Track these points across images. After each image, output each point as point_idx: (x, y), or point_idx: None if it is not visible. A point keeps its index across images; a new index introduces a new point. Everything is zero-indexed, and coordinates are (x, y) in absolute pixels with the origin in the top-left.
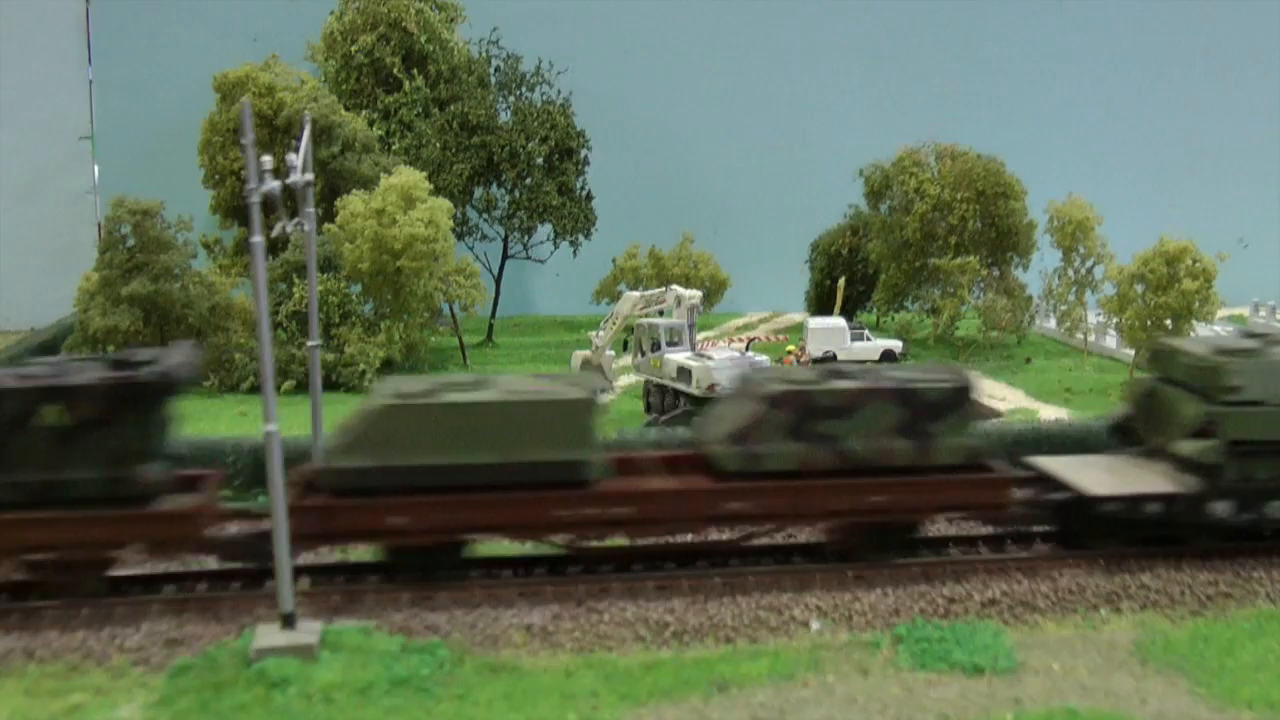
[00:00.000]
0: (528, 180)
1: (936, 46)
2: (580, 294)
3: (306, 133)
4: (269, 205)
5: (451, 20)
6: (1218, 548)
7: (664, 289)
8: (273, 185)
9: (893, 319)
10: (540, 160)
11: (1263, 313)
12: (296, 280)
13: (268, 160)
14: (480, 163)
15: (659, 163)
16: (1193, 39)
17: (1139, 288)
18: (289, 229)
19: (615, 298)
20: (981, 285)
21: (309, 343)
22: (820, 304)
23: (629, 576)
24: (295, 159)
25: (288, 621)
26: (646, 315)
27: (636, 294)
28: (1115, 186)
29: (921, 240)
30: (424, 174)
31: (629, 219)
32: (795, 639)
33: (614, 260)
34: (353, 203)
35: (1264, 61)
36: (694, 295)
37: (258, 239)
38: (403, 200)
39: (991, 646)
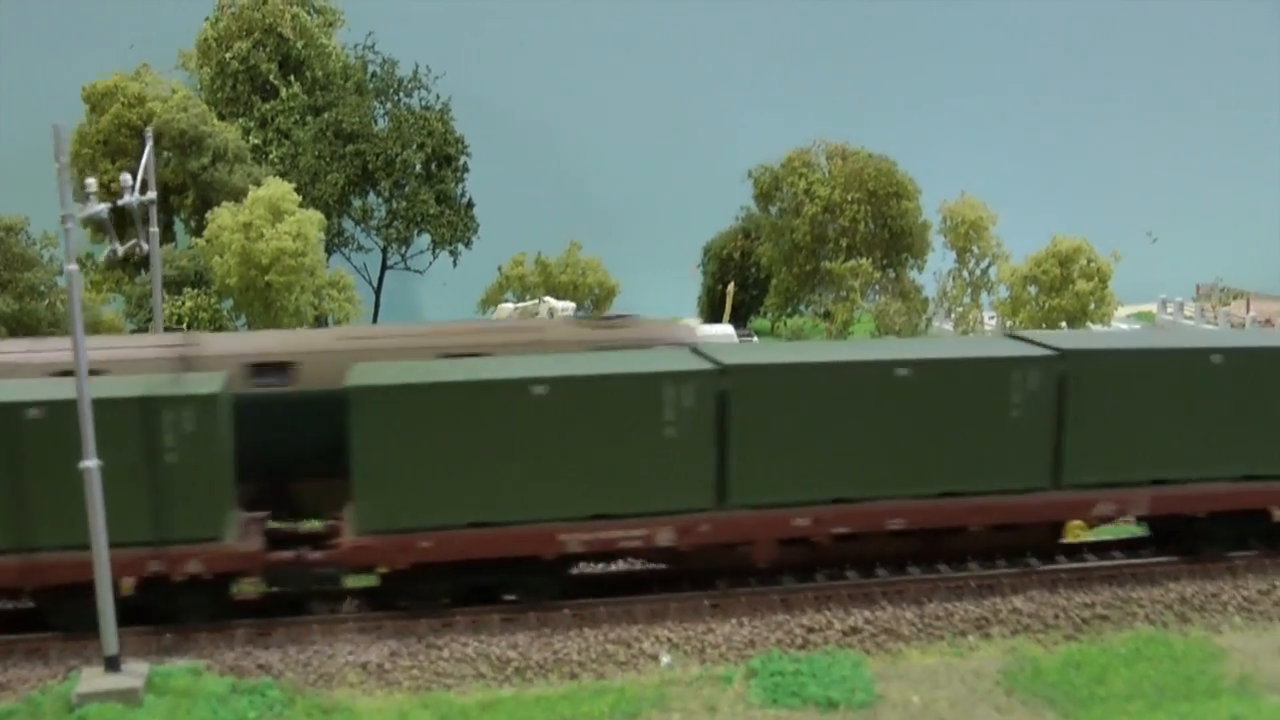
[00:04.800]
0: (405, 189)
1: (829, 44)
2: (469, 303)
3: (148, 150)
4: (125, 220)
5: (330, 25)
6: (1097, 567)
7: (537, 301)
8: (99, 208)
9: (785, 324)
10: (418, 168)
11: (1170, 309)
12: (167, 297)
13: (91, 183)
14: (355, 172)
15: (546, 167)
16: (1086, 33)
17: (1032, 289)
18: (119, 252)
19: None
20: (877, 288)
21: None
22: (713, 309)
23: (473, 610)
24: (128, 178)
25: (111, 664)
26: None
27: (510, 306)
28: (1015, 184)
29: (812, 243)
30: (293, 185)
31: (516, 225)
32: (644, 674)
33: (500, 268)
34: (222, 215)
35: (1160, 55)
36: (566, 306)
37: (73, 267)
38: (270, 213)
39: (850, 678)
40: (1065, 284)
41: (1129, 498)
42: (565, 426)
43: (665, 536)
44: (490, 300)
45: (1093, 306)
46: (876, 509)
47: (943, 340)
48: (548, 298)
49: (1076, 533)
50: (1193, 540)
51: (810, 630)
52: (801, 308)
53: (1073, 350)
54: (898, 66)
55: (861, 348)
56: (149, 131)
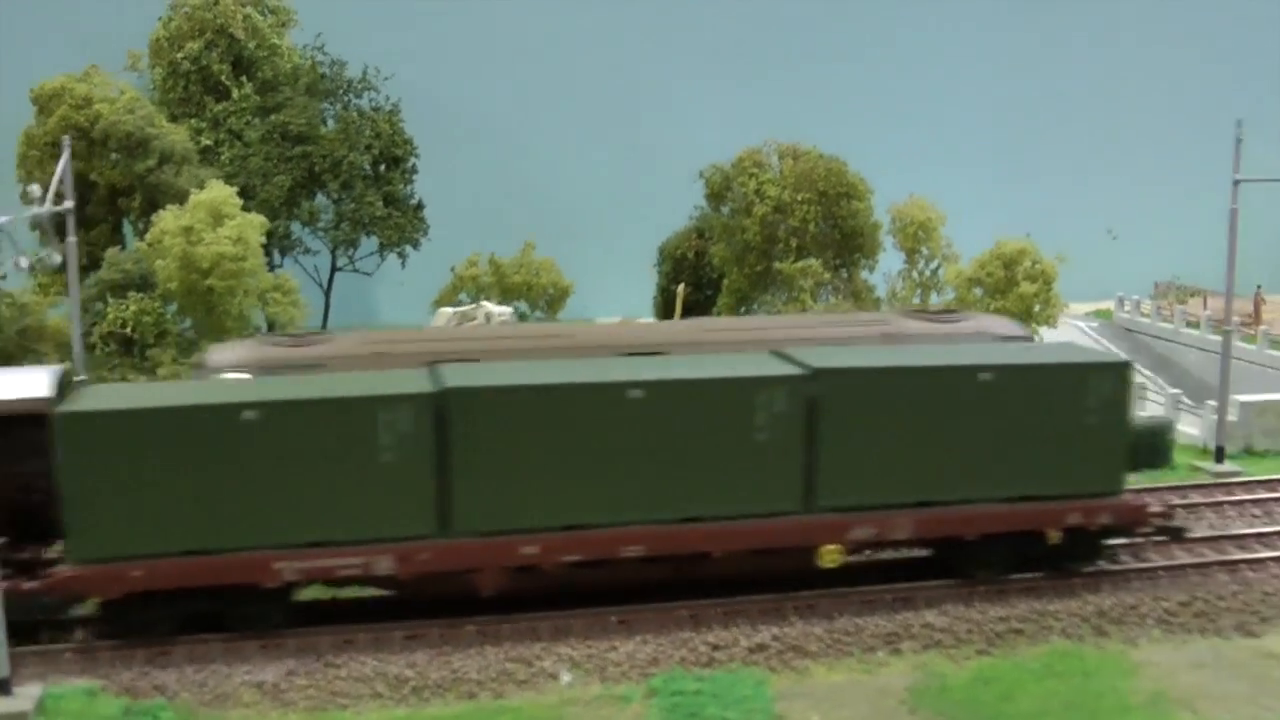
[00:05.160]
0: (353, 191)
1: (782, 44)
2: (423, 305)
3: (64, 158)
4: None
5: (283, 25)
6: (1015, 580)
7: (475, 306)
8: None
9: None
10: (366, 169)
11: (1127, 307)
12: (111, 300)
13: None
14: (302, 174)
15: (500, 167)
16: (1040, 32)
17: (977, 291)
18: (23, 264)
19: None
20: (829, 289)
21: (76, 377)
22: (668, 310)
23: (376, 627)
24: (37, 189)
25: (2, 688)
26: None
27: (450, 310)
28: (974, 184)
29: (763, 243)
30: (235, 189)
31: (471, 226)
32: (543, 693)
33: (453, 269)
34: (165, 219)
35: (1117, 53)
36: (504, 312)
37: None
38: (211, 217)
39: (751, 698)
40: (1010, 286)
41: (890, 521)
42: (280, 452)
43: (384, 565)
44: (444, 301)
45: (1038, 308)
46: (611, 535)
47: (692, 359)
48: (485, 302)
49: (834, 557)
50: (967, 563)
51: (716, 648)
52: (754, 308)
53: (825, 369)
54: (850, 66)
55: (598, 367)
56: (66, 140)
